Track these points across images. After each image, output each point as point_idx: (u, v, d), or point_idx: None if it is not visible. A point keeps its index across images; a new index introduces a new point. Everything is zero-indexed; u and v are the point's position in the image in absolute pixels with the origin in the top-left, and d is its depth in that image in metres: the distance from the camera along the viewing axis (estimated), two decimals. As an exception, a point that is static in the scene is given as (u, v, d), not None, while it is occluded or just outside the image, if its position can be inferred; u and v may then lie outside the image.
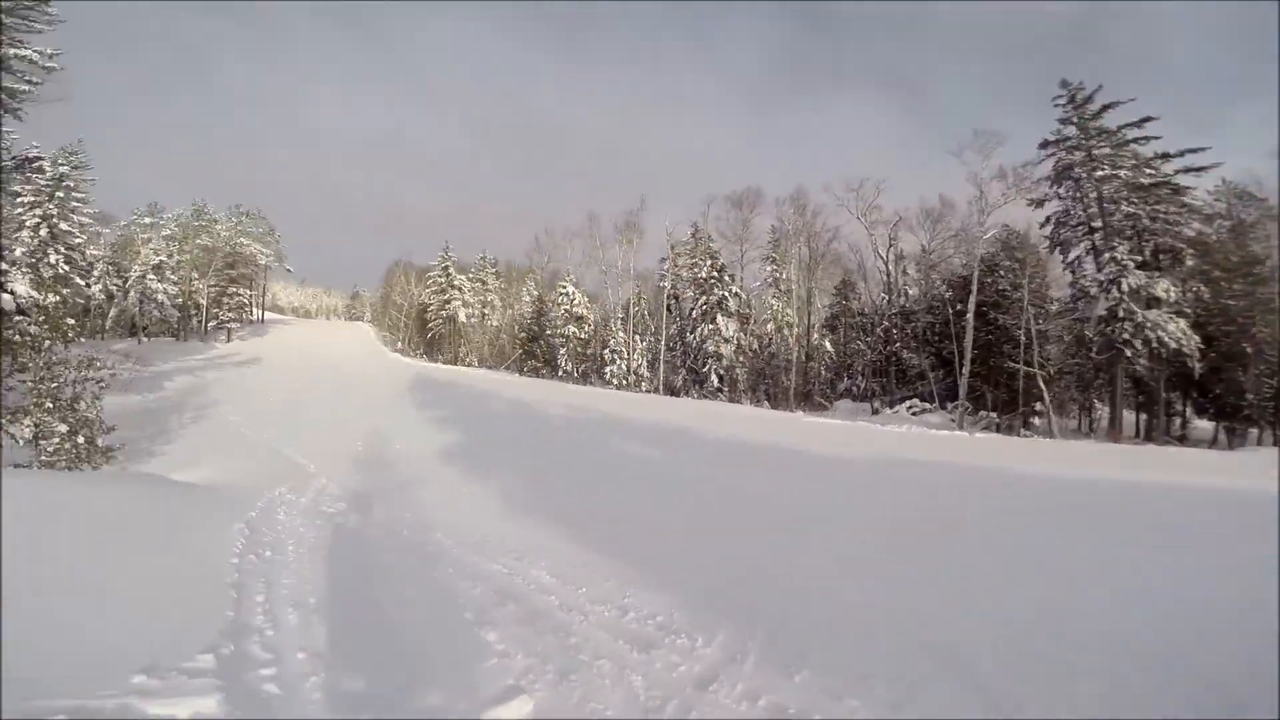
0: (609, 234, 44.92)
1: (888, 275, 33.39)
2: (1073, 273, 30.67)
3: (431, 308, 62.34)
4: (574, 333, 45.44)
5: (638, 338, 43.41)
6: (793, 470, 11.12)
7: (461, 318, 60.58)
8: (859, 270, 39.77)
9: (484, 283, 63.75)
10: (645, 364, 41.64)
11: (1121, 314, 24.37)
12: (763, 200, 42.12)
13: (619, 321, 42.86)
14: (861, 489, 9.60)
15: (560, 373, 44.12)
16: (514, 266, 63.17)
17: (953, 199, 33.95)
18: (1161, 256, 26.21)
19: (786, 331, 43.14)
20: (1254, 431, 29.65)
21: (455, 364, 55.71)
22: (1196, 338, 24.41)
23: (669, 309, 46.22)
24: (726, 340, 36.25)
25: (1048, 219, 29.62)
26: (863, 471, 11.27)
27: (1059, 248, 30.02)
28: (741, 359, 36.51)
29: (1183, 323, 24.31)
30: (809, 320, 42.45)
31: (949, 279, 32.69)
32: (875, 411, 29.87)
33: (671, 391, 38.47)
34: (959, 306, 29.11)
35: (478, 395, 25.84)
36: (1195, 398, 28.68)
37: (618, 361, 40.48)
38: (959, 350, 27.29)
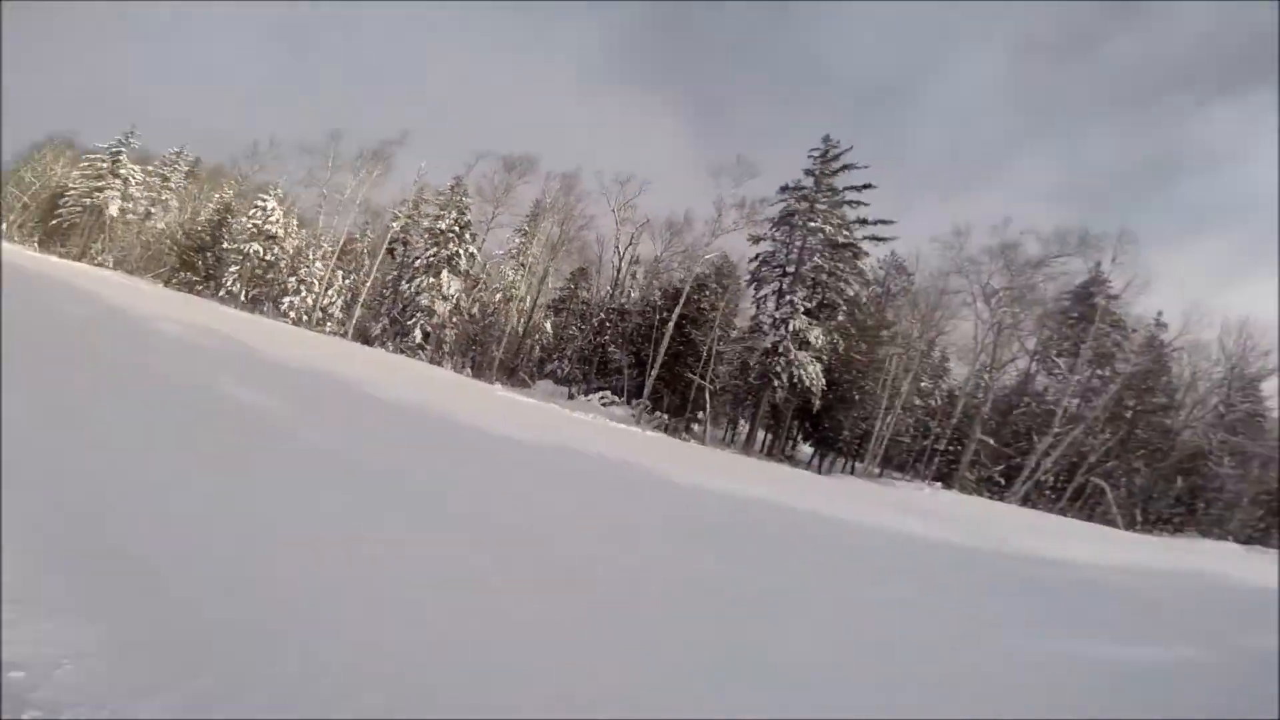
0: (349, 158, 38.10)
1: (617, 272, 34.83)
2: (758, 307, 35.84)
3: (72, 193, 45.65)
4: (256, 251, 37.35)
5: (340, 274, 37.68)
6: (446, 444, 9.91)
7: (112, 210, 45.42)
8: (597, 263, 40.78)
9: (165, 178, 49.18)
10: (342, 304, 36.29)
11: (781, 350, 29.14)
12: (535, 170, 40.20)
13: (317, 251, 36.55)
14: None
15: (222, 293, 35.77)
16: (223, 170, 49.88)
17: (696, 216, 37.03)
18: (824, 309, 32.27)
19: (513, 305, 42.22)
20: (840, 460, 38.86)
21: (78, 260, 41.36)
22: (823, 381, 30.55)
23: (392, 253, 41.37)
24: (445, 298, 33.53)
25: (756, 256, 34.28)
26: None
27: (756, 283, 34.92)
28: (455, 320, 34.16)
29: (818, 367, 30.16)
30: (536, 299, 42.13)
31: (665, 288, 35.48)
32: (571, 396, 30.64)
33: (365, 340, 34.15)
34: (665, 314, 31.62)
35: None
36: (807, 427, 35.98)
37: (303, 294, 34.40)
38: (653, 354, 29.54)
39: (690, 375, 30.49)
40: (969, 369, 29.16)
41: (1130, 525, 23.66)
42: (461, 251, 35.35)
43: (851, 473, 29.74)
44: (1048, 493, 25.11)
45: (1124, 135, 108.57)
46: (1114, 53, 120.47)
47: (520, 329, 39.46)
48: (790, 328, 29.49)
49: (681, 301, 30.07)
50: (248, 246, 37.21)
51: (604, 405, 29.42)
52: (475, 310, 37.81)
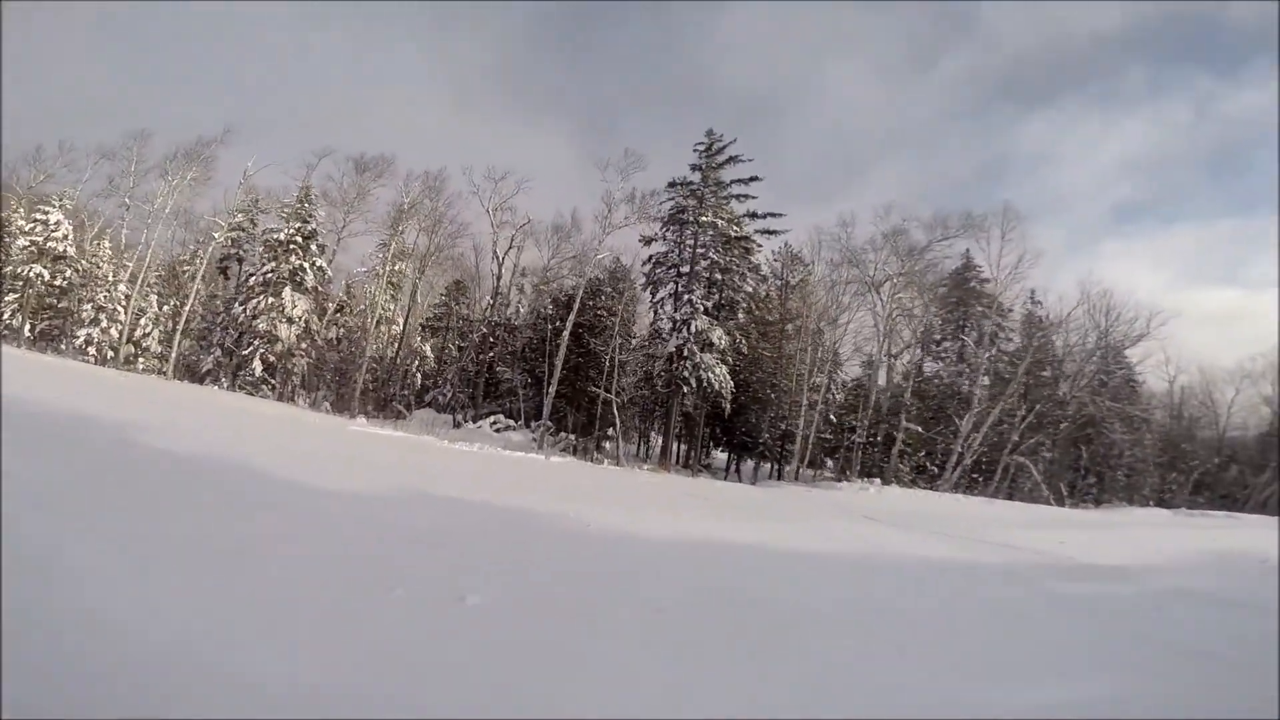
0: (160, 161, 31.00)
1: (497, 279, 30.92)
2: (655, 312, 33.56)
3: None
4: (40, 275, 29.63)
5: (156, 299, 30.83)
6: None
7: None
8: (475, 273, 36.52)
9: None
10: (159, 335, 29.58)
11: (686, 353, 26.84)
12: (393, 171, 34.10)
13: (122, 272, 29.66)
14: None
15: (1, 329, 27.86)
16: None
17: (585, 216, 34.08)
18: (723, 309, 30.43)
19: (384, 328, 37.00)
20: (761, 464, 37.40)
21: None
22: (731, 383, 28.60)
23: (225, 272, 34.76)
24: (290, 320, 28.02)
25: (650, 258, 31.99)
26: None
27: (652, 286, 32.58)
28: (306, 347, 28.71)
29: (725, 369, 28.17)
30: (407, 318, 37.21)
31: (557, 297, 32.11)
32: (457, 424, 26.46)
33: (195, 377, 27.81)
34: (559, 324, 28.34)
35: None
36: (718, 433, 34.05)
37: (104, 324, 27.54)
38: (550, 369, 26.14)
39: (594, 389, 27.39)
40: (872, 358, 28.36)
41: (1060, 501, 23.51)
42: (308, 266, 30.04)
43: (778, 477, 27.89)
44: (975, 476, 24.60)
45: (965, 144, 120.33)
46: (951, 68, 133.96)
47: (392, 353, 34.46)
48: (692, 329, 27.33)
49: (575, 309, 26.95)
50: (28, 270, 29.43)
51: (497, 431, 25.59)
52: (332, 335, 32.40)
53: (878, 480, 22.39)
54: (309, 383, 29.55)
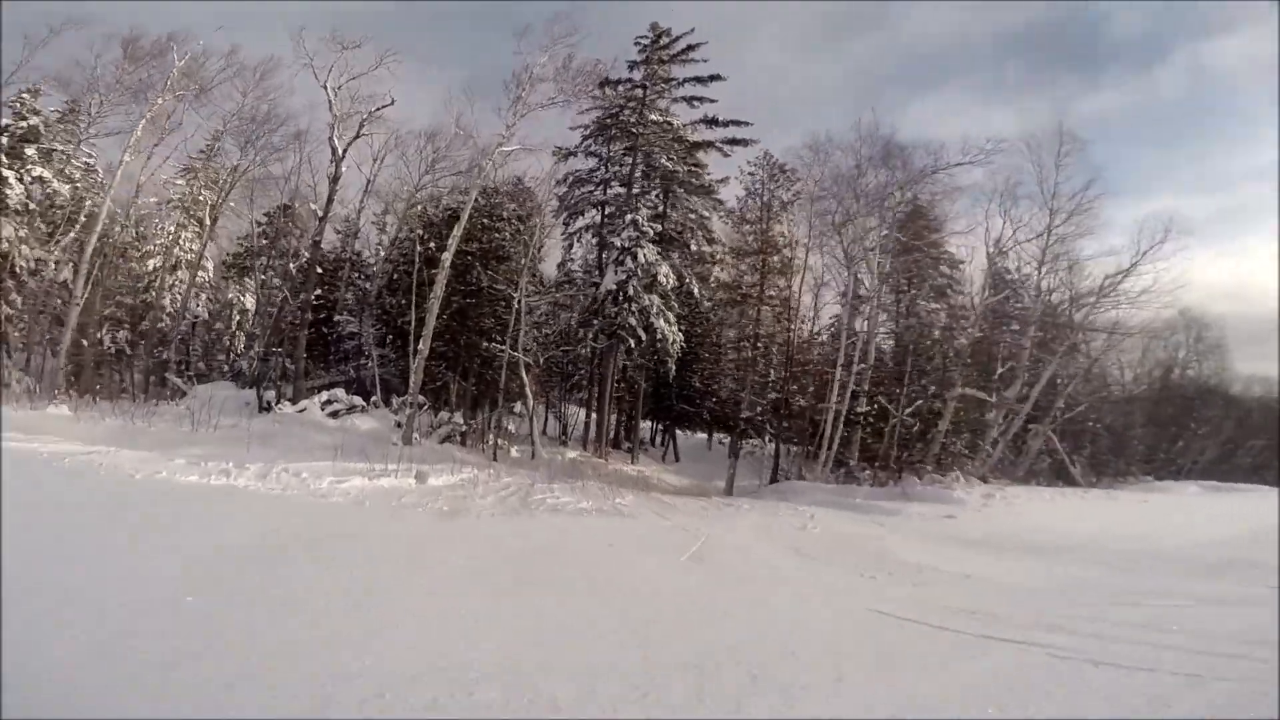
0: None
1: (333, 183, 19.88)
2: (571, 244, 24.89)
3: None
4: None
5: None
6: None
7: None
8: (313, 190, 24.80)
9: None
10: None
11: (632, 291, 18.53)
12: (172, 47, 19.35)
13: None
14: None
15: None
16: None
17: (480, 124, 23.96)
18: (669, 241, 22.23)
19: (179, 273, 24.72)
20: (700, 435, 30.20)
21: None
22: (681, 336, 20.78)
23: None
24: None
25: (567, 177, 23.11)
26: None
27: (568, 213, 23.75)
28: (14, 290, 17.07)
29: (672, 316, 20.22)
30: (201, 255, 25.25)
31: (430, 218, 21.86)
32: (265, 407, 16.33)
33: None
34: (433, 248, 18.60)
35: None
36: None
37: None
38: (419, 315, 16.59)
39: (491, 344, 18.27)
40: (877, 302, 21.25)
41: (1097, 479, 18.30)
42: (11, 175, 18.09)
43: (734, 455, 20.29)
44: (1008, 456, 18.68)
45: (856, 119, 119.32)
46: (854, 51, 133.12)
47: (170, 302, 22.84)
48: (640, 260, 19.03)
49: (463, 222, 17.19)
50: None
51: (334, 416, 15.91)
52: (66, 277, 20.23)
53: (973, 479, 15.26)
54: (28, 343, 17.69)
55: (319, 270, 20.57)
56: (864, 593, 5.82)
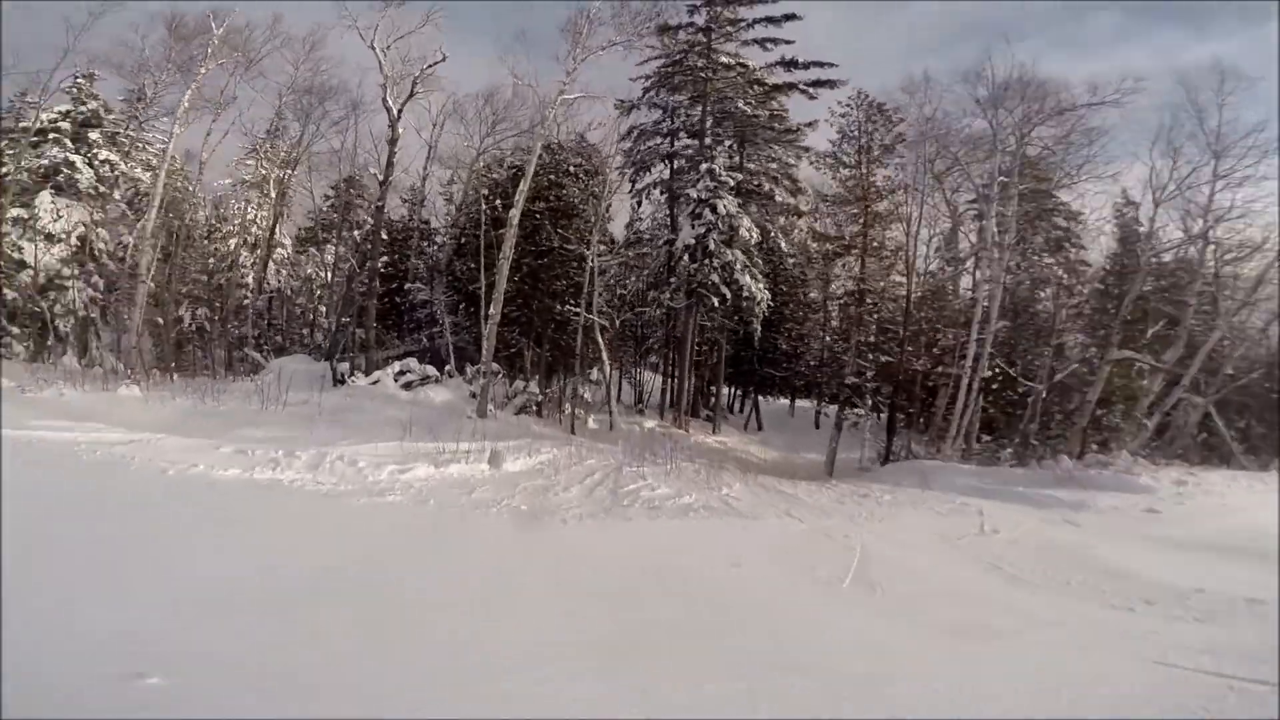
0: None
1: (392, 147, 18.81)
2: (640, 201, 23.04)
3: None
4: None
5: None
6: None
7: None
8: (375, 158, 23.90)
9: None
10: None
11: (712, 246, 16.62)
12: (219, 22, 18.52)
13: None
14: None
15: None
16: None
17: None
18: (750, 195, 19.91)
19: (257, 252, 24.90)
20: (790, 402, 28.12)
21: None
22: (768, 294, 18.68)
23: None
24: (50, 237, 16.39)
25: (631, 131, 21.15)
26: None
27: (634, 168, 21.87)
28: (85, 276, 17.29)
29: (757, 270, 18.13)
30: (273, 230, 25.11)
31: (495, 180, 20.47)
32: (340, 380, 15.75)
33: None
34: (501, 208, 17.28)
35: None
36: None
37: None
38: (488, 279, 15.39)
39: (565, 308, 16.92)
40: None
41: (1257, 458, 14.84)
42: (79, 160, 18.19)
43: (815, 423, 17.86)
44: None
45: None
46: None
47: (251, 279, 22.89)
48: (720, 212, 17.00)
49: (528, 178, 15.66)
50: None
51: (408, 388, 15.13)
52: (146, 262, 20.41)
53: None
54: (88, 329, 17.94)
55: (385, 237, 19.80)
56: (1133, 635, 4.01)
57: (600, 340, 16.84)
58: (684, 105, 20.78)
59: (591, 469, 9.13)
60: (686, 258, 17.42)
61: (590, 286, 16.81)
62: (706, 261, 16.60)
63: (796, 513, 7.78)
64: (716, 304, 16.73)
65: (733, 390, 27.65)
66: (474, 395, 15.00)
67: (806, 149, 21.25)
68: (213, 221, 26.10)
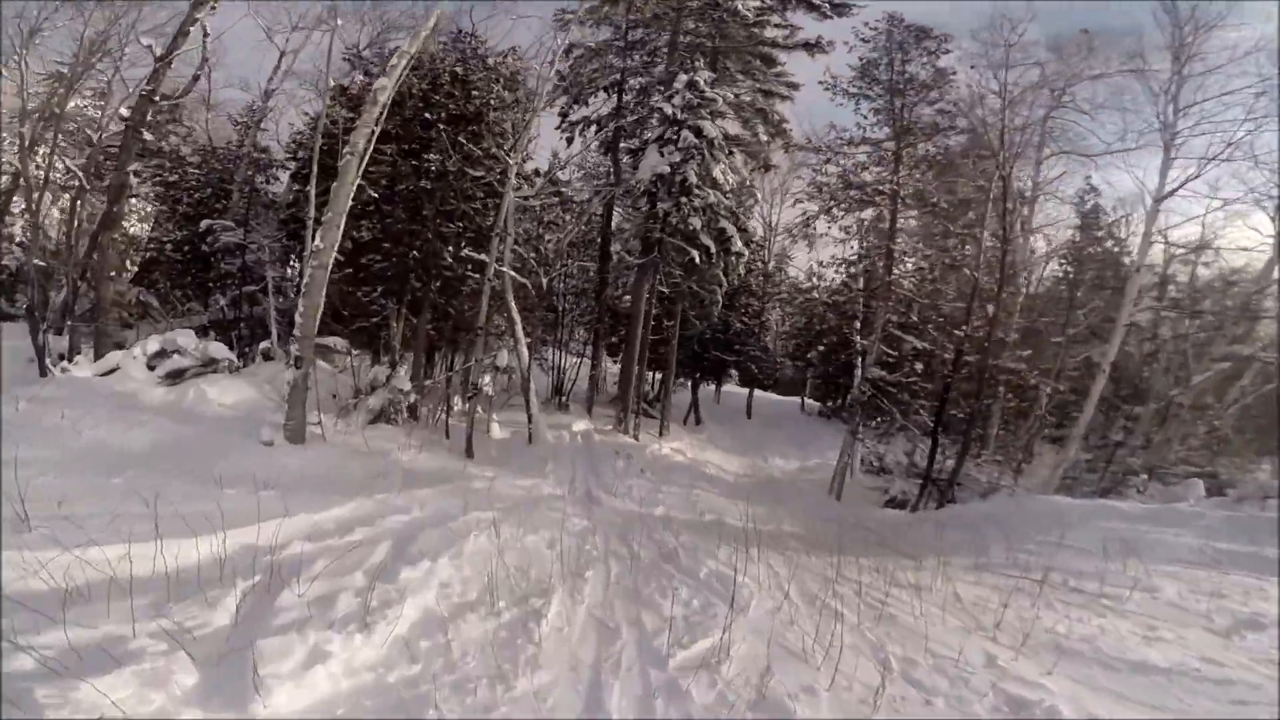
0: None
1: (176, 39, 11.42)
2: (571, 139, 17.12)
3: None
4: None
5: None
6: None
7: None
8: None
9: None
10: None
11: (693, 179, 11.30)
12: None
13: None
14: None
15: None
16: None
17: None
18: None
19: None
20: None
21: None
22: (747, 253, 13.67)
23: None
24: None
25: (569, 50, 15.09)
26: None
27: (570, 97, 16.05)
28: None
29: (746, 229, 13.12)
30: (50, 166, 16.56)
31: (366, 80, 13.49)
32: (46, 370, 8.88)
33: None
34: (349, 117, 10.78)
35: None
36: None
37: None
38: (318, 196, 8.97)
39: (465, 263, 10.95)
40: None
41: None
42: None
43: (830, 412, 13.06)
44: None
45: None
46: None
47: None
48: (706, 133, 11.72)
49: (406, 59, 9.24)
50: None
51: (172, 380, 8.65)
52: None
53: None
54: None
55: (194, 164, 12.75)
56: None
57: (514, 307, 11.05)
58: (642, 22, 15.11)
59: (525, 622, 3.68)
60: (647, 201, 12.01)
61: (504, 229, 10.95)
62: (685, 200, 11.26)
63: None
64: (698, 260, 11.43)
65: (654, 376, 22.48)
66: (283, 399, 8.77)
67: (795, 85, 16.08)
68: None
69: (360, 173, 7.95)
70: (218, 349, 9.31)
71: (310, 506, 5.32)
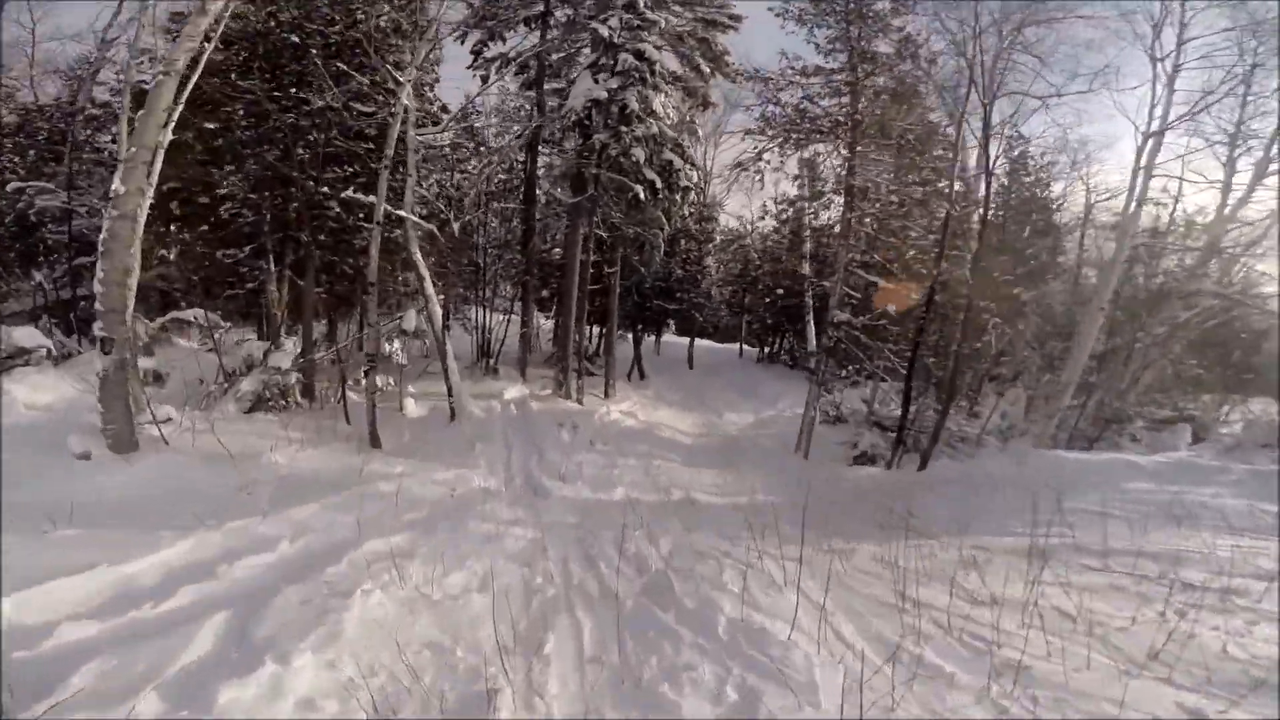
0: None
1: None
2: (486, 77, 14.70)
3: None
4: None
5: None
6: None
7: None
8: None
9: None
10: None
11: (634, 106, 9.59)
12: None
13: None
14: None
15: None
16: None
17: None
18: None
19: None
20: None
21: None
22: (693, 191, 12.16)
23: None
24: None
25: None
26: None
27: (486, 35, 13.60)
28: None
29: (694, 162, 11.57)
30: None
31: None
32: None
33: None
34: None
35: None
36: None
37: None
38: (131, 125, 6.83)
39: (358, 213, 9.01)
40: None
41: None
42: None
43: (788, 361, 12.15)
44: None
45: None
46: None
47: None
48: (649, 54, 9.97)
49: None
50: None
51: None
52: None
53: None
54: None
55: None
56: None
57: (420, 261, 9.24)
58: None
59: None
60: (578, 134, 10.24)
61: (404, 170, 9.00)
62: (626, 130, 9.54)
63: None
64: (642, 196, 9.82)
65: (594, 330, 20.82)
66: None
67: (738, 16, 14.16)
68: None
69: (183, 100, 5.89)
70: (28, 335, 7.19)
71: (122, 550, 3.73)
